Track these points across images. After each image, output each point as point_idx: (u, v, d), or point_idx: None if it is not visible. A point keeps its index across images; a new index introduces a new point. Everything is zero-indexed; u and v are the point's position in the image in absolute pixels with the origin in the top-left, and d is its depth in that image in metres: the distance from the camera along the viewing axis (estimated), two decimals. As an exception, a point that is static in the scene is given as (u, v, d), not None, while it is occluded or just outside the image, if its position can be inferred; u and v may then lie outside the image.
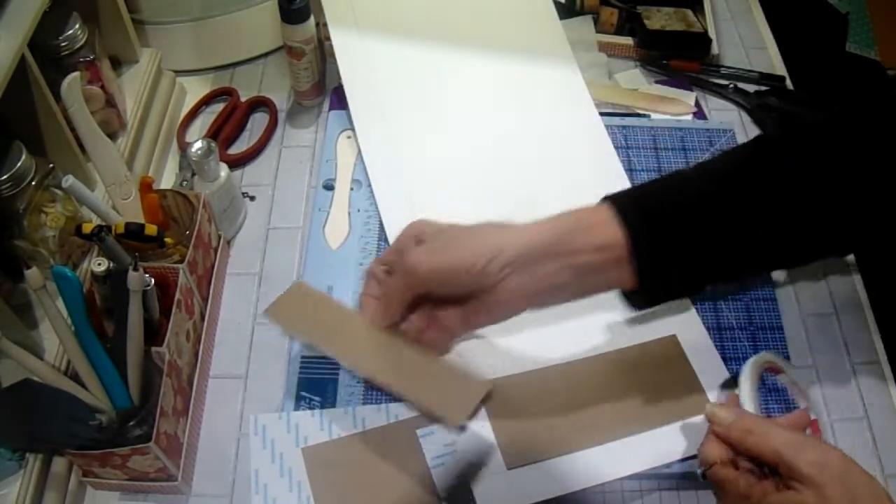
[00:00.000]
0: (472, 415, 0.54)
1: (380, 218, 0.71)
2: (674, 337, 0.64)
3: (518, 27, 0.86)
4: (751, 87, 0.85)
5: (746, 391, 0.56)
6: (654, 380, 0.62)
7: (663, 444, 0.59)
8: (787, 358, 0.64)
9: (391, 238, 0.69)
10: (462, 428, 0.55)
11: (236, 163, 0.78)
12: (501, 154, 0.76)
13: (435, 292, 0.53)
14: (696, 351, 0.63)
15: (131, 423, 0.56)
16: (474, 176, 0.74)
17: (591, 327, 0.64)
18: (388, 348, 0.56)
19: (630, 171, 0.75)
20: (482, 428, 0.59)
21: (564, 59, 0.83)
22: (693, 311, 0.66)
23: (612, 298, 0.66)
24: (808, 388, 0.62)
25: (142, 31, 0.82)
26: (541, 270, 0.50)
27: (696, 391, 0.61)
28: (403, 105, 0.79)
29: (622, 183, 0.74)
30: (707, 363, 0.63)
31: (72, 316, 0.54)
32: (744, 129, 0.83)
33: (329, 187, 0.74)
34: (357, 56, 0.80)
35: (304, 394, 0.61)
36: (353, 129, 0.77)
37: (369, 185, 0.74)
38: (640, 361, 0.63)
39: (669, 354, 0.63)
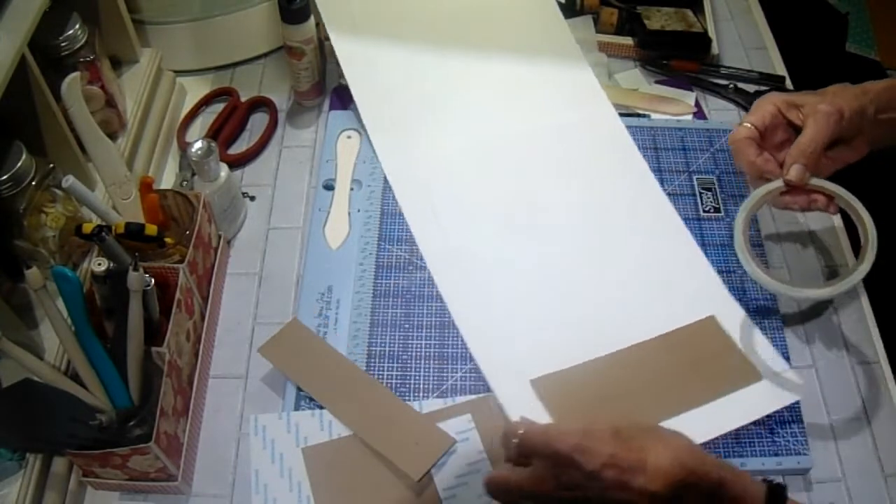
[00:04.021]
0: (430, 469, 0.56)
1: (380, 218, 0.71)
2: (712, 318, 0.65)
3: (522, 26, 0.86)
4: (751, 87, 0.85)
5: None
6: (699, 358, 0.63)
7: (719, 415, 0.60)
8: (787, 359, 0.64)
9: (418, 240, 0.70)
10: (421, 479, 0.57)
11: (236, 163, 0.78)
12: (515, 154, 0.76)
13: None
14: (735, 328, 0.65)
15: (131, 423, 0.56)
16: (492, 173, 0.75)
17: (629, 317, 0.65)
18: (363, 395, 0.61)
19: (630, 171, 0.76)
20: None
21: (573, 57, 0.83)
22: (726, 290, 0.67)
23: (641, 291, 0.66)
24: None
25: (142, 31, 0.82)
26: None
27: (742, 363, 0.62)
28: (413, 107, 0.79)
29: (646, 178, 0.74)
30: (748, 337, 0.64)
31: (72, 316, 0.54)
32: (744, 129, 0.82)
33: (329, 187, 0.74)
34: (361, 59, 0.80)
35: (304, 394, 0.61)
36: (359, 130, 0.77)
37: (369, 185, 0.74)
38: (684, 344, 0.63)
39: (711, 334, 0.64)
